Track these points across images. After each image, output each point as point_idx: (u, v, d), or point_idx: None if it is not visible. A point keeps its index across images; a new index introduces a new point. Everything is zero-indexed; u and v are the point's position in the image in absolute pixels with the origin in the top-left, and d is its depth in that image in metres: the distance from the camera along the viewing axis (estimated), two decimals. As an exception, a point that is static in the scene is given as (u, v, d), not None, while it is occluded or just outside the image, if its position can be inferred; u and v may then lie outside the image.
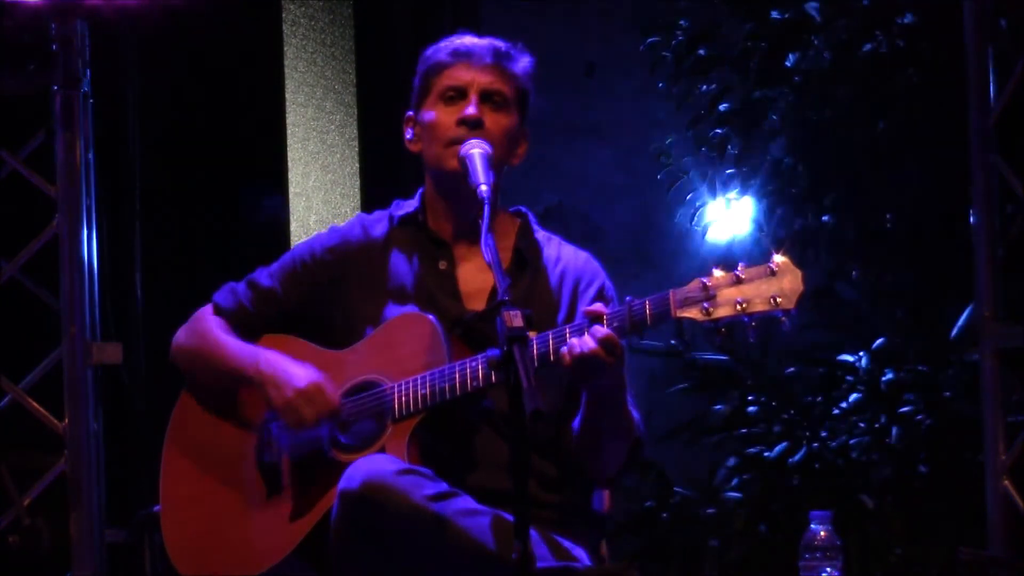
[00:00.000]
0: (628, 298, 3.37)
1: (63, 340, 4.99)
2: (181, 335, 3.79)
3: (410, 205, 3.74)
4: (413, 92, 3.70)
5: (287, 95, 5.62)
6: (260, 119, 5.60)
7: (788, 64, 6.02)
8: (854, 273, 6.04)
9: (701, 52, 6.14)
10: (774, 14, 6.01)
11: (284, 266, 3.75)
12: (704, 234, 6.25)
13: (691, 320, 3.31)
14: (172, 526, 3.71)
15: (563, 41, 6.73)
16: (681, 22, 6.16)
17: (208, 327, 3.74)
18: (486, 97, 3.60)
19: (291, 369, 3.58)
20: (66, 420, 4.99)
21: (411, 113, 3.71)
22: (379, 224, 3.75)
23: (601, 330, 3.33)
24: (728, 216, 6.21)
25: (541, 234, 3.75)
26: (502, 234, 3.68)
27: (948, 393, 5.77)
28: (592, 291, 3.65)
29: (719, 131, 6.16)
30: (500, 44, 3.64)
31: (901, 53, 5.87)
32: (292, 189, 5.61)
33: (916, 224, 5.92)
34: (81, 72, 5.02)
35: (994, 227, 5.05)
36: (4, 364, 5.04)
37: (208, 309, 3.79)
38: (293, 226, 5.58)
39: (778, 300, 3.25)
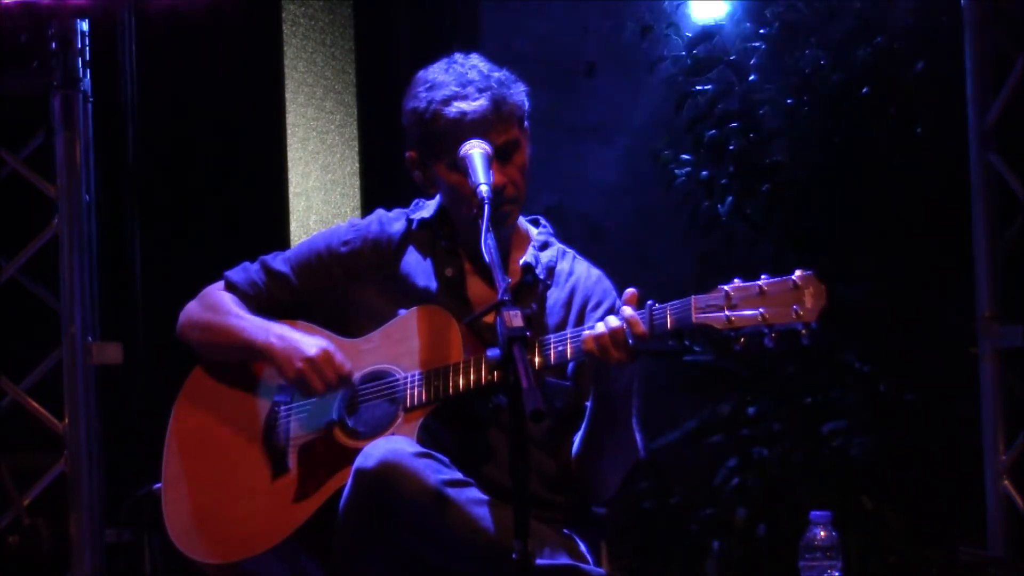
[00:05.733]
0: (650, 302, 3.38)
1: (63, 340, 4.99)
2: (191, 308, 3.79)
3: (428, 211, 3.75)
4: (411, 138, 3.64)
5: (287, 95, 5.62)
6: (260, 119, 5.60)
7: (787, 65, 6.02)
8: (853, 273, 6.04)
9: (699, 52, 6.14)
10: (770, 14, 6.02)
11: (300, 254, 3.76)
12: (703, 234, 6.25)
13: (710, 327, 3.32)
14: (173, 503, 3.70)
15: (563, 41, 6.73)
16: (678, 24, 6.16)
17: (219, 300, 3.75)
18: (500, 153, 3.58)
19: (301, 339, 3.59)
20: (66, 420, 4.99)
21: (412, 155, 3.66)
22: (397, 222, 3.76)
23: (613, 321, 3.35)
24: (726, 215, 6.21)
25: (556, 247, 3.76)
26: (516, 245, 3.71)
27: (948, 393, 5.77)
28: (600, 312, 3.65)
29: (718, 131, 6.16)
30: (495, 87, 3.58)
31: (900, 53, 5.87)
32: (292, 189, 5.61)
33: (916, 224, 5.92)
34: (81, 72, 5.02)
35: (994, 227, 5.06)
36: (4, 364, 5.04)
37: (219, 285, 3.80)
38: (293, 226, 5.58)
39: (799, 313, 3.26)
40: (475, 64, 3.63)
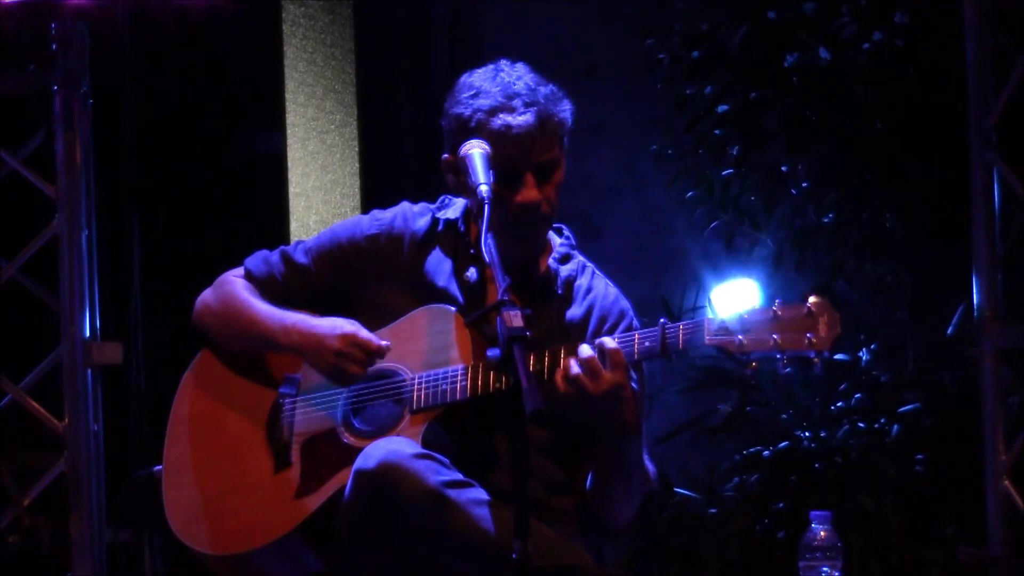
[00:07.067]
0: (662, 320, 3.38)
1: (63, 340, 4.99)
2: (208, 296, 3.77)
3: (454, 211, 3.71)
4: (452, 141, 3.59)
5: (287, 95, 5.62)
6: (260, 119, 5.61)
7: (786, 64, 6.02)
8: (853, 273, 6.03)
9: (696, 54, 6.13)
10: (771, 15, 6.01)
11: (322, 245, 3.73)
12: (703, 234, 6.25)
13: (723, 350, 3.32)
14: (174, 489, 3.69)
15: (563, 41, 6.73)
16: (676, 25, 6.16)
17: (238, 290, 3.72)
18: (540, 169, 3.55)
19: (321, 330, 3.56)
20: (66, 420, 4.99)
21: (449, 159, 3.61)
22: (422, 219, 3.72)
23: (586, 351, 3.35)
24: (726, 216, 6.21)
25: (576, 261, 3.74)
26: (537, 259, 3.68)
27: (948, 393, 5.76)
28: (617, 333, 3.63)
29: (718, 132, 6.16)
30: (541, 102, 3.54)
31: (900, 53, 5.87)
32: (292, 189, 5.61)
33: (916, 224, 5.92)
34: (81, 72, 5.02)
35: (994, 227, 5.06)
36: (4, 364, 5.04)
37: (237, 272, 3.78)
38: (293, 226, 5.58)
39: (813, 341, 3.27)
40: (521, 75, 3.57)
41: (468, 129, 3.53)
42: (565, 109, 3.59)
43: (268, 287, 3.74)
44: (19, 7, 4.91)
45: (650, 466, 3.57)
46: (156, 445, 3.79)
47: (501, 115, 3.52)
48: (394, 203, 3.82)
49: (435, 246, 3.69)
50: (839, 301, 5.93)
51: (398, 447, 3.35)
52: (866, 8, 5.93)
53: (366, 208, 5.65)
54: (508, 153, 3.50)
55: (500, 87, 3.55)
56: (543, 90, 3.56)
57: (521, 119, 3.52)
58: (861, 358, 5.95)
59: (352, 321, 3.57)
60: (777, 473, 5.91)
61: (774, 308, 3.30)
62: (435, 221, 3.72)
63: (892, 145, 5.91)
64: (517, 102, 3.53)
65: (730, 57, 6.09)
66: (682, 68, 6.17)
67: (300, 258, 3.74)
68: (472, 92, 3.56)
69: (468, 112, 3.54)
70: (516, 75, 3.57)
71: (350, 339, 3.53)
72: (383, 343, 3.52)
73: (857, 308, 6.00)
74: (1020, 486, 4.98)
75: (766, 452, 5.96)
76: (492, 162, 3.48)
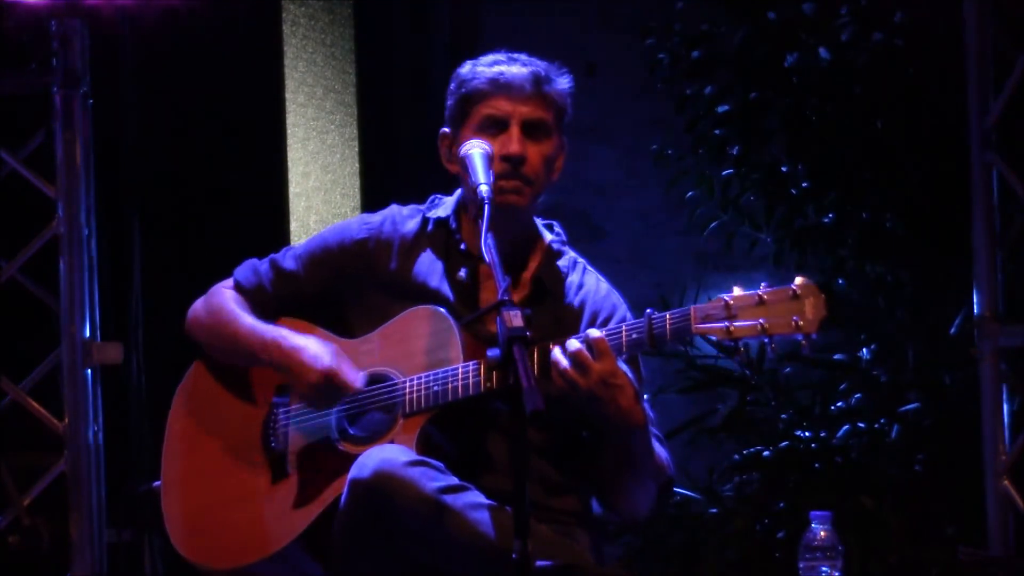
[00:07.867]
0: (649, 311, 3.37)
1: (63, 340, 4.99)
2: (199, 307, 3.78)
3: (445, 210, 3.72)
4: (448, 111, 3.66)
5: (287, 95, 5.62)
6: (260, 119, 5.60)
7: (786, 65, 6.02)
8: (853, 273, 6.03)
9: (696, 54, 6.13)
10: (771, 15, 6.01)
11: (312, 251, 3.73)
12: (703, 234, 6.25)
13: (710, 337, 3.31)
14: (173, 504, 3.70)
15: (563, 41, 6.73)
16: (676, 25, 6.16)
17: (225, 303, 3.73)
18: (527, 127, 3.59)
19: (304, 356, 3.56)
20: (66, 420, 4.99)
21: (446, 131, 3.67)
22: (411, 220, 3.73)
23: (573, 344, 3.35)
24: (726, 216, 6.21)
25: (567, 258, 3.74)
26: (528, 256, 3.69)
27: (948, 393, 5.76)
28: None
29: (718, 132, 6.16)
30: (540, 68, 3.62)
31: (900, 53, 5.87)
32: (292, 189, 5.61)
33: (916, 224, 5.92)
34: (81, 72, 5.02)
35: (994, 227, 5.06)
36: (4, 364, 5.04)
37: (227, 284, 3.78)
38: (293, 226, 5.58)
39: (799, 323, 3.25)
40: (524, 54, 3.66)
41: (463, 82, 3.62)
42: (565, 85, 3.65)
43: (257, 297, 3.74)
44: (19, 7, 4.91)
45: (663, 452, 3.57)
46: (156, 447, 3.79)
47: (497, 66, 3.62)
48: (393, 203, 3.82)
49: (426, 247, 3.69)
50: (839, 301, 5.99)
51: (392, 455, 3.34)
52: (866, 8, 5.92)
53: (366, 208, 5.65)
54: (498, 102, 3.57)
55: (502, 53, 3.66)
56: (544, 63, 3.65)
57: (516, 70, 3.61)
58: (861, 358, 5.95)
59: (334, 352, 3.56)
60: (777, 473, 5.91)
61: (760, 292, 3.30)
62: (425, 221, 3.72)
63: (892, 145, 5.91)
64: (515, 63, 3.63)
65: (730, 57, 6.09)
66: (682, 68, 6.17)
67: (289, 265, 3.73)
68: (474, 62, 3.66)
69: (466, 69, 3.65)
70: (519, 54, 3.67)
71: (328, 375, 3.53)
72: (357, 385, 3.53)
73: (857, 307, 6.00)
74: (1020, 486, 4.98)
75: (766, 452, 5.95)
76: (481, 114, 3.56)
